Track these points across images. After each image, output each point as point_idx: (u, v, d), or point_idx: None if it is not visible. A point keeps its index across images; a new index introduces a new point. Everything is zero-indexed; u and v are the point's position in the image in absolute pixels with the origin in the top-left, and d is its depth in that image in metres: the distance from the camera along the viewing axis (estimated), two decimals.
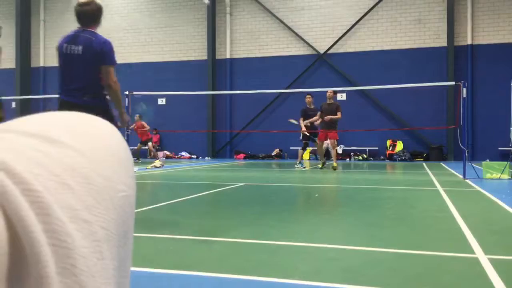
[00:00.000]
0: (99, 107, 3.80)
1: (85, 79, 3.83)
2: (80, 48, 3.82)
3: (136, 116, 14.16)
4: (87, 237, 0.28)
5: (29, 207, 0.26)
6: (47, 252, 0.26)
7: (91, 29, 3.89)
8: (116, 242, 0.32)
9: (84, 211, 0.29)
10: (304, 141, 11.74)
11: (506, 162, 8.32)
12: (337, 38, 17.10)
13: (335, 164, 11.09)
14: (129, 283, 0.35)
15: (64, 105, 3.85)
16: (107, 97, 3.91)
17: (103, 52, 3.80)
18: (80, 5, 3.88)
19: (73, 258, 0.27)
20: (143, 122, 14.11)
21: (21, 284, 0.26)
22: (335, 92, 11.31)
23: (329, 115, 10.97)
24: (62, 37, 4.00)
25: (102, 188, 0.31)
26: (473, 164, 10.64)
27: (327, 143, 11.74)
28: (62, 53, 3.88)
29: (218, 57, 18.38)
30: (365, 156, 16.62)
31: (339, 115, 10.95)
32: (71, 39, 3.88)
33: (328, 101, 11.11)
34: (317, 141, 11.45)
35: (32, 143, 0.29)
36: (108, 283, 0.30)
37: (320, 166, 11.65)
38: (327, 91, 11.22)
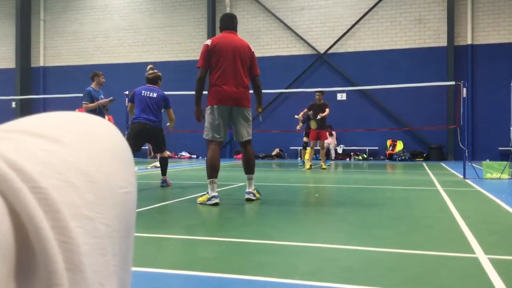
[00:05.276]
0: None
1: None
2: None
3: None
4: (90, 233, 0.29)
5: (37, 204, 0.27)
6: (56, 248, 0.27)
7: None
8: (118, 238, 0.32)
9: (86, 208, 0.30)
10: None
11: (506, 162, 8.32)
12: (337, 38, 17.10)
13: (324, 166, 11.42)
14: (131, 278, 0.36)
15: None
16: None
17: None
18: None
19: (79, 254, 0.28)
20: None
21: (30, 281, 0.26)
22: (322, 93, 11.46)
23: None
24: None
25: (103, 185, 0.32)
26: (473, 164, 10.64)
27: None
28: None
29: None
30: (365, 156, 16.62)
31: (327, 111, 11.32)
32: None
33: (317, 103, 11.42)
34: (308, 140, 11.74)
35: (37, 143, 0.30)
36: (110, 278, 0.31)
37: (308, 167, 11.44)
38: (315, 94, 11.50)
